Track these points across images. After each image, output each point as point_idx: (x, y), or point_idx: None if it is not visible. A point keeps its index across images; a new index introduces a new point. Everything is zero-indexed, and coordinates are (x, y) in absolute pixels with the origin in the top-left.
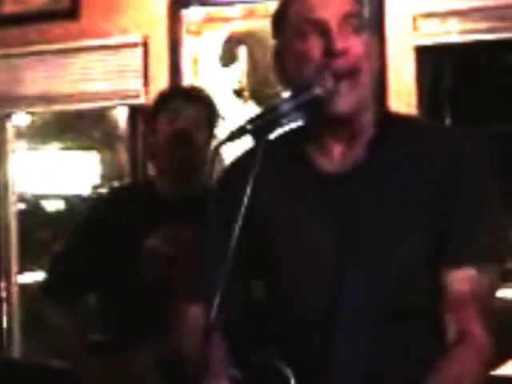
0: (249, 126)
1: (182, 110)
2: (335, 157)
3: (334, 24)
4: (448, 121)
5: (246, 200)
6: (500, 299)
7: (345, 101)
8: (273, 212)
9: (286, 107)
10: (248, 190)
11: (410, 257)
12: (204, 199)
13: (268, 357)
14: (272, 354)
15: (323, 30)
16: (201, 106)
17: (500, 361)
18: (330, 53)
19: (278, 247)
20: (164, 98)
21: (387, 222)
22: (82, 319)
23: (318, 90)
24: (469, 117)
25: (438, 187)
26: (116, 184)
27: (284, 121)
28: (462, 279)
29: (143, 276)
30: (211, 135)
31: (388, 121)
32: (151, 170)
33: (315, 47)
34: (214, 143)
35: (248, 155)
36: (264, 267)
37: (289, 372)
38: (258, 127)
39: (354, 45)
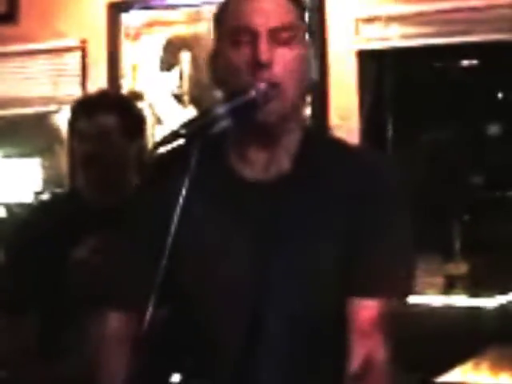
0: (182, 131)
1: (88, 128)
2: (258, 166)
3: (263, 34)
4: (390, 124)
5: (178, 211)
6: (448, 306)
7: (267, 110)
8: (193, 221)
9: (220, 111)
10: (180, 202)
11: (320, 272)
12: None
13: (191, 376)
14: (194, 372)
15: (252, 38)
16: (110, 117)
17: (446, 368)
18: (254, 63)
19: (195, 259)
20: (73, 116)
21: (303, 233)
22: (29, 330)
23: (252, 93)
24: (410, 121)
25: (352, 213)
26: (57, 190)
27: (218, 125)
28: (369, 308)
29: (73, 288)
30: (131, 139)
31: (314, 139)
32: (79, 180)
33: (243, 56)
34: (149, 147)
35: (173, 154)
36: (182, 278)
37: None
38: (191, 132)
39: (281, 58)
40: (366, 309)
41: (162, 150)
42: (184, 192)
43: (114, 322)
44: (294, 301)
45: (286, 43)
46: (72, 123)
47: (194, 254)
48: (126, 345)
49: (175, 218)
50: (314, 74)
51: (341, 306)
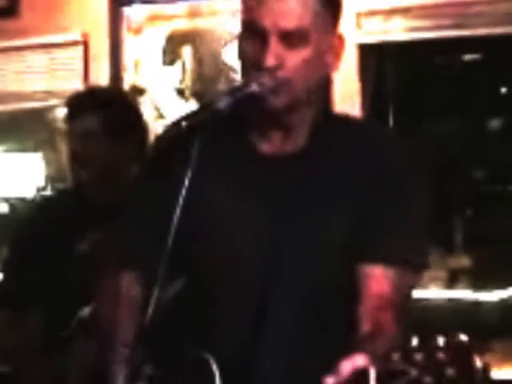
0: (184, 123)
1: (73, 129)
2: (275, 141)
3: (273, 36)
4: (391, 119)
5: (181, 198)
6: (450, 300)
7: (275, 100)
8: (207, 194)
9: (221, 104)
10: (185, 187)
11: (333, 245)
12: None
13: (193, 347)
14: (197, 344)
15: (263, 37)
16: (95, 117)
17: None
18: (259, 67)
19: (211, 227)
20: (66, 113)
21: (316, 206)
22: (33, 326)
23: (254, 87)
24: (412, 115)
25: (365, 188)
26: (60, 185)
27: (219, 118)
28: (382, 278)
29: (76, 281)
30: (123, 137)
31: (330, 118)
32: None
33: (251, 52)
34: (151, 139)
35: (173, 144)
36: (194, 250)
37: (213, 363)
38: (193, 125)
39: (289, 61)
40: (381, 280)
41: (163, 140)
42: (186, 182)
43: (120, 279)
44: (306, 273)
45: (296, 46)
46: (64, 122)
47: (207, 226)
48: (130, 301)
49: (180, 197)
50: (335, 66)
51: (352, 281)
